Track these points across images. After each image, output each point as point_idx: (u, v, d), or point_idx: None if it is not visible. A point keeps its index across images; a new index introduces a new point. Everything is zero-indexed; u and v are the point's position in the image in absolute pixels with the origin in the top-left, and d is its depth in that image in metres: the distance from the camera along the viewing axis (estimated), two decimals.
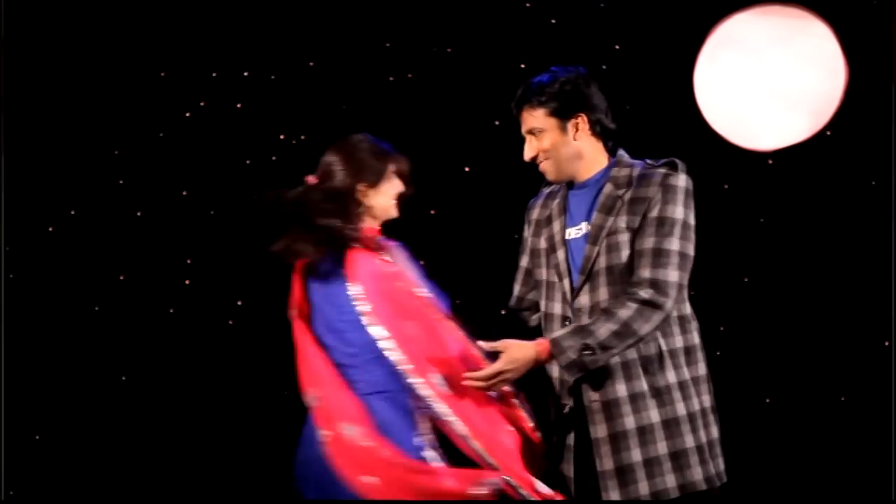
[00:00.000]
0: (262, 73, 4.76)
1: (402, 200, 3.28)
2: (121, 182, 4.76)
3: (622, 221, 3.08)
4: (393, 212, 3.24)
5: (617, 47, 4.70)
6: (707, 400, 3.08)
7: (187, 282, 4.78)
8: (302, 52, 4.76)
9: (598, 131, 3.18)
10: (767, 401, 4.72)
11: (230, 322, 4.78)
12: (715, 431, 3.08)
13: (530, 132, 3.17)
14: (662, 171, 3.11)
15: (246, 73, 4.76)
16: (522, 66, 4.71)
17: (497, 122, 4.72)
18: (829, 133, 4.33)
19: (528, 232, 3.33)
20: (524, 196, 3.49)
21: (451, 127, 4.77)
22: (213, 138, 4.75)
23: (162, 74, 4.73)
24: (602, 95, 3.21)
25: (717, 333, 4.68)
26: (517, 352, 2.99)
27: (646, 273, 3.00)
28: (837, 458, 4.65)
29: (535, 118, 3.16)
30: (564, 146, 3.15)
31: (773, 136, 3.62)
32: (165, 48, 4.73)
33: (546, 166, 3.17)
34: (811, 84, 3.53)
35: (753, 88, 3.60)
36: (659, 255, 3.02)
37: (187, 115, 4.76)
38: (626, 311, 2.97)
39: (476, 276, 4.65)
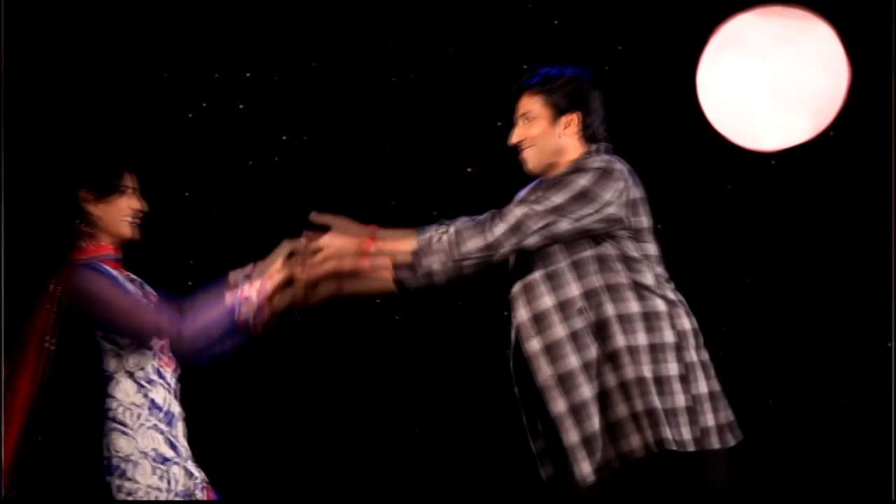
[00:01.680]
0: (265, 74, 4.75)
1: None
2: None
3: None
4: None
5: (619, 48, 4.70)
6: (667, 369, 3.00)
7: (190, 283, 4.78)
8: (304, 53, 4.76)
9: (587, 135, 3.17)
10: (770, 402, 4.72)
11: None
12: (674, 400, 2.98)
13: (524, 116, 3.18)
14: (584, 156, 3.11)
15: (248, 74, 4.76)
16: (525, 66, 4.71)
17: (499, 123, 4.72)
18: (831, 134, 4.33)
19: None
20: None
21: (453, 128, 4.77)
22: (215, 139, 4.75)
23: (164, 75, 4.73)
24: (602, 103, 3.21)
25: (719, 334, 4.68)
26: (340, 241, 3.13)
27: (556, 199, 3.01)
28: (838, 459, 4.65)
29: (532, 103, 3.17)
30: (550, 138, 3.15)
31: (776, 137, 3.62)
32: (167, 49, 4.72)
33: (528, 153, 3.16)
34: (814, 85, 3.52)
35: (756, 89, 3.60)
36: (529, 196, 3.04)
37: (189, 115, 4.76)
38: (481, 218, 3.04)
39: (478, 278, 4.64)
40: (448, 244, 3.00)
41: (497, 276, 3.40)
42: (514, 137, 3.19)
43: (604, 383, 2.98)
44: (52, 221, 3.07)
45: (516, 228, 2.98)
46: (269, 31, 4.74)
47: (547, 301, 3.04)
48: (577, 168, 3.05)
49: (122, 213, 3.20)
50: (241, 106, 4.77)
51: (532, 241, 2.99)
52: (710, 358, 3.11)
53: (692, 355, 3.06)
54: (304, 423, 4.80)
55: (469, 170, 4.79)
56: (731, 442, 3.14)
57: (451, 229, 3.02)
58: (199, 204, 4.77)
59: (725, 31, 3.63)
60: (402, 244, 3.07)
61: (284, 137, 4.78)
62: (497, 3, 4.72)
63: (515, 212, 2.99)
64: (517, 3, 4.72)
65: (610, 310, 3.00)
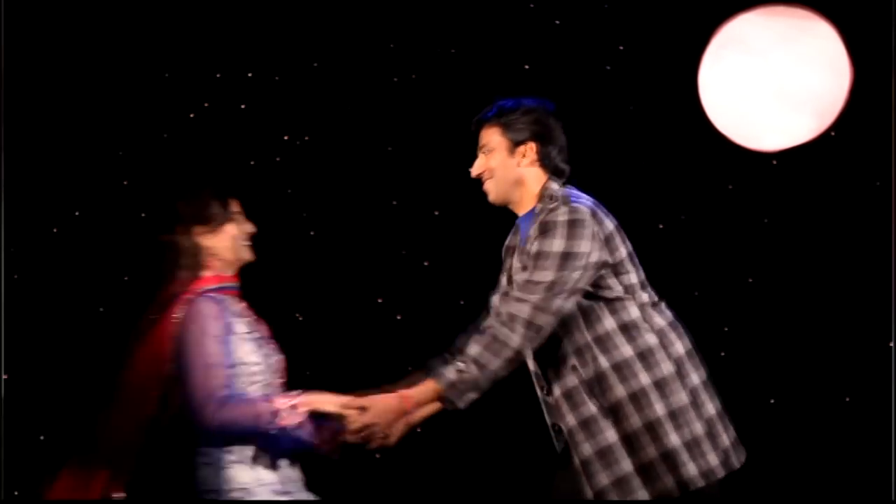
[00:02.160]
0: (266, 74, 4.76)
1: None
2: (125, 183, 4.76)
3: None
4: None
5: (621, 48, 4.70)
6: (677, 400, 3.02)
7: None
8: (305, 53, 4.76)
9: (545, 164, 3.18)
10: (772, 401, 4.72)
11: None
12: (692, 430, 3.01)
13: (482, 148, 3.23)
14: (547, 207, 3.10)
15: (250, 74, 4.76)
16: (526, 66, 4.71)
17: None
18: (833, 134, 4.33)
19: (503, 257, 3.37)
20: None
21: (455, 128, 4.76)
22: (217, 139, 4.75)
23: (166, 75, 4.73)
24: (562, 134, 3.21)
25: (721, 334, 4.68)
26: (381, 404, 3.07)
27: (515, 292, 3.03)
28: (838, 459, 4.65)
29: (489, 136, 3.22)
30: (508, 169, 3.18)
31: (778, 137, 3.61)
32: (169, 49, 4.72)
33: (488, 185, 3.22)
34: (816, 85, 3.52)
35: (758, 89, 3.60)
36: (530, 275, 3.03)
37: (191, 115, 4.76)
38: (491, 327, 3.03)
39: (480, 278, 4.65)
40: (474, 376, 3.01)
41: (496, 278, 3.41)
42: (475, 170, 3.25)
43: (607, 439, 3.00)
44: (158, 258, 3.11)
45: (530, 326, 2.98)
46: (270, 31, 4.74)
47: (540, 362, 3.09)
48: (544, 230, 3.04)
49: (237, 239, 3.25)
50: (242, 106, 4.77)
51: (549, 327, 3.00)
52: (708, 375, 3.12)
53: (694, 379, 3.07)
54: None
55: (470, 170, 4.78)
56: (743, 458, 3.18)
57: (469, 360, 3.02)
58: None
59: (727, 31, 3.62)
60: (432, 391, 3.08)
61: (286, 137, 4.78)
62: (499, 3, 4.72)
63: (521, 312, 2.99)
64: (519, 3, 4.72)
65: (604, 362, 3.02)
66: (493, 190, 3.21)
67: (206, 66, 4.75)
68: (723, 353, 4.63)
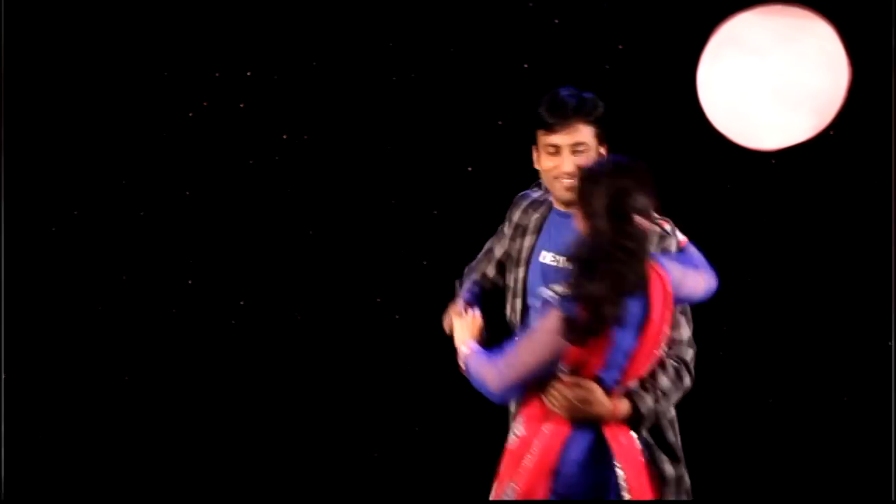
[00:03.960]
0: (265, 73, 4.76)
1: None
2: (123, 182, 4.76)
3: None
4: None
5: (620, 47, 4.70)
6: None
7: (190, 282, 4.79)
8: (305, 52, 4.76)
9: None
10: (770, 401, 4.72)
11: (232, 322, 4.78)
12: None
13: (577, 145, 3.06)
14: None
15: (249, 73, 4.76)
16: (525, 65, 4.71)
17: (500, 122, 4.72)
18: (832, 133, 4.33)
19: (507, 228, 3.27)
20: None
21: (454, 127, 4.77)
22: (215, 138, 4.76)
23: (165, 74, 4.73)
24: None
25: (719, 333, 4.67)
26: (596, 398, 2.86)
27: (685, 333, 3.03)
28: (838, 459, 4.64)
29: (586, 133, 3.07)
30: None
31: (777, 136, 3.60)
32: (168, 48, 4.72)
33: (572, 186, 3.01)
34: (814, 84, 3.51)
35: (756, 88, 3.59)
36: (682, 315, 3.04)
37: (190, 114, 4.76)
38: (675, 363, 3.00)
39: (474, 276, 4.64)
40: (662, 409, 2.99)
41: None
42: (570, 167, 3.05)
43: None
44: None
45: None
46: (269, 30, 4.74)
47: None
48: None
49: None
50: (241, 105, 4.77)
51: None
52: None
53: None
54: (304, 422, 4.80)
55: (470, 169, 4.78)
56: None
57: (661, 393, 2.97)
58: (200, 203, 4.77)
59: (725, 30, 3.61)
60: (628, 411, 2.96)
61: (285, 136, 4.78)
62: (498, 2, 4.72)
63: (688, 357, 3.03)
64: (518, 1, 4.72)
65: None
66: (575, 191, 3.00)
67: (205, 65, 4.75)
68: (721, 353, 4.63)
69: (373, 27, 4.74)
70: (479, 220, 4.72)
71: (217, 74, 4.75)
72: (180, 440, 4.77)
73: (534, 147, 3.17)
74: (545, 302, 2.89)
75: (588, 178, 2.88)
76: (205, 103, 4.76)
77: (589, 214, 2.83)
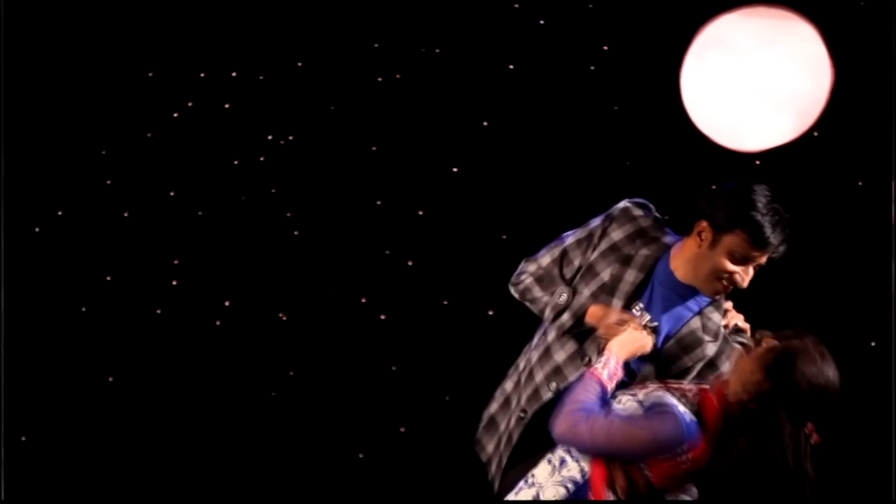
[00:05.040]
0: (251, 74, 4.75)
1: None
2: (108, 182, 4.75)
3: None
4: None
5: (605, 48, 4.71)
6: None
7: (175, 283, 4.78)
8: (290, 53, 4.75)
9: None
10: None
11: (217, 323, 4.78)
12: None
13: (757, 266, 3.09)
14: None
15: (234, 74, 4.76)
16: (511, 66, 4.72)
17: (485, 123, 4.72)
18: (816, 134, 4.34)
19: (600, 240, 3.13)
20: (511, 197, 3.48)
21: (439, 128, 4.77)
22: (200, 139, 4.75)
23: (150, 75, 4.72)
24: None
25: None
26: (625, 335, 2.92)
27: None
28: (838, 459, 4.65)
29: (764, 260, 3.09)
30: None
31: (760, 137, 3.62)
32: (153, 48, 4.72)
33: (727, 290, 3.10)
34: (797, 85, 3.53)
35: (740, 89, 3.60)
36: None
37: (175, 115, 4.75)
38: None
39: (464, 277, 4.65)
40: None
41: (485, 278, 3.41)
42: (746, 283, 3.09)
43: None
44: None
45: None
46: (255, 30, 4.74)
47: None
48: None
49: None
50: (226, 105, 4.76)
51: None
52: None
53: None
54: (290, 422, 4.80)
55: (455, 169, 4.79)
56: None
57: None
58: (185, 204, 4.76)
59: (709, 32, 3.62)
60: None
61: (270, 137, 4.78)
62: (483, 2, 4.72)
63: None
64: (503, 2, 4.72)
65: None
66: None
67: (190, 66, 4.74)
68: None
69: (358, 28, 4.74)
70: (464, 220, 4.74)
71: (202, 75, 4.75)
72: (166, 441, 4.76)
73: (711, 228, 3.08)
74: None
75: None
76: (190, 104, 4.75)
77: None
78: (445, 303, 4.73)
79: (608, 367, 2.89)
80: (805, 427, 2.84)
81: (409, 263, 4.78)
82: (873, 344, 4.61)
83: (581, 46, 4.70)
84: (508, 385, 3.18)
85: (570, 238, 3.15)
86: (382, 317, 4.79)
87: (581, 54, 4.71)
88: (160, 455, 4.76)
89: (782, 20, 3.57)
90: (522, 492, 2.90)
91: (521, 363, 3.11)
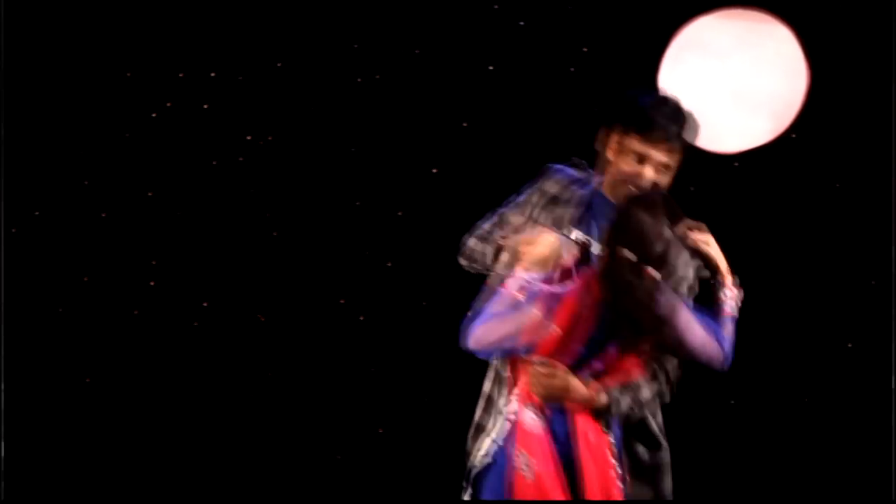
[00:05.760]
0: (229, 74, 4.74)
1: None
2: (86, 183, 4.74)
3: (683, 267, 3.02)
4: None
5: (585, 49, 4.72)
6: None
7: (152, 283, 4.77)
8: (269, 53, 4.75)
9: None
10: (732, 402, 4.74)
11: (195, 324, 4.77)
12: None
13: (662, 164, 3.05)
14: None
15: (213, 74, 4.75)
16: (490, 67, 4.72)
17: (465, 124, 4.73)
18: (793, 136, 4.36)
19: (535, 197, 3.18)
20: (492, 198, 3.48)
21: (419, 128, 4.77)
22: (179, 139, 4.74)
23: (128, 74, 4.71)
24: None
25: None
26: (573, 385, 2.88)
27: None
28: (838, 459, 4.66)
29: (676, 158, 3.07)
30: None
31: (736, 139, 3.62)
32: (131, 48, 4.71)
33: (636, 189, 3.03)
34: (774, 87, 3.54)
35: (717, 91, 3.61)
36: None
37: (153, 115, 4.74)
38: (662, 378, 2.98)
39: (443, 279, 4.65)
40: (636, 417, 2.97)
41: (465, 279, 3.40)
42: (648, 180, 3.03)
43: None
44: None
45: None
46: (233, 30, 4.73)
47: None
48: None
49: None
50: (205, 106, 4.75)
51: None
52: None
53: None
54: (268, 424, 4.79)
55: (434, 171, 4.79)
56: None
57: (639, 405, 2.95)
58: (163, 204, 4.75)
59: (686, 34, 3.63)
60: (597, 404, 2.93)
61: (249, 137, 4.77)
62: (463, 3, 4.72)
63: (673, 375, 3.03)
64: (483, 4, 4.73)
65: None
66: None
67: (169, 66, 4.73)
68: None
69: (338, 28, 4.74)
70: (443, 221, 4.74)
71: (181, 75, 4.74)
72: (147, 441, 4.75)
73: (607, 132, 3.09)
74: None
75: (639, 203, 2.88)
76: (168, 104, 4.74)
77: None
78: (424, 304, 4.73)
79: (515, 278, 2.88)
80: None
81: (389, 264, 4.78)
82: (850, 345, 4.63)
83: (561, 48, 4.71)
84: (487, 385, 3.18)
85: (509, 206, 3.20)
86: (361, 318, 4.79)
87: (561, 56, 4.72)
88: (138, 456, 4.75)
89: (759, 23, 3.58)
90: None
91: (494, 359, 3.13)
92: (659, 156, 3.03)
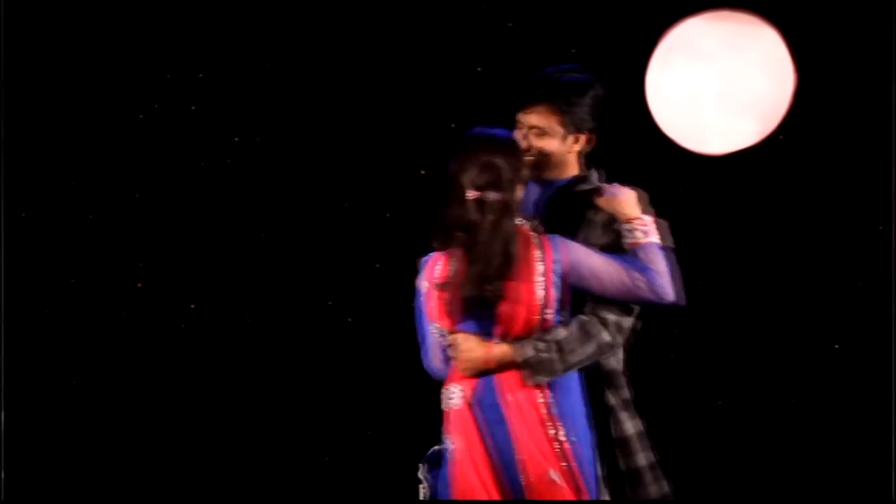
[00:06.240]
0: (217, 75, 4.74)
1: None
2: (73, 184, 4.73)
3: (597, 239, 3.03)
4: None
5: (573, 51, 4.72)
6: (639, 424, 3.08)
7: (139, 284, 4.76)
8: (257, 55, 4.74)
9: (587, 153, 3.14)
10: (719, 402, 4.75)
11: (182, 325, 4.76)
12: (652, 456, 3.07)
13: (535, 129, 3.05)
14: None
15: (200, 75, 4.74)
16: (479, 69, 4.72)
17: (453, 125, 4.72)
18: (781, 137, 4.37)
19: None
20: None
21: (407, 130, 4.77)
22: (166, 140, 4.73)
23: (115, 75, 4.71)
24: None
25: (670, 337, 4.70)
26: (471, 344, 2.93)
27: (617, 305, 3.01)
28: (838, 459, 4.67)
29: (547, 120, 3.06)
30: (558, 154, 3.07)
31: (723, 141, 3.63)
32: (119, 49, 4.70)
33: (530, 163, 3.04)
34: (760, 89, 3.55)
35: (703, 93, 3.62)
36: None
37: (141, 116, 4.73)
38: (586, 320, 2.96)
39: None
40: (551, 359, 2.93)
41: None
42: (524, 145, 3.05)
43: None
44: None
45: (621, 329, 3.01)
46: (221, 31, 4.72)
47: None
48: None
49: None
50: (193, 107, 4.75)
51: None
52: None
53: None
54: (256, 424, 4.79)
55: (423, 172, 4.79)
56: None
57: (551, 343, 2.94)
58: (150, 205, 4.74)
59: (674, 36, 3.64)
60: (509, 359, 2.96)
61: (237, 139, 4.77)
62: (451, 5, 4.72)
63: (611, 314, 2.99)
64: (471, 5, 4.73)
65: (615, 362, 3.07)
66: (535, 170, 3.05)
67: (156, 67, 4.72)
68: (672, 356, 4.66)
69: (326, 30, 4.73)
70: (432, 223, 4.74)
71: (168, 76, 4.73)
72: (134, 442, 4.74)
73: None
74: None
75: (456, 151, 2.99)
76: (156, 105, 4.74)
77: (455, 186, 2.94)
78: (413, 306, 4.72)
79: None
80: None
81: (377, 266, 4.77)
82: (836, 346, 4.64)
83: (549, 49, 4.71)
84: None
85: None
86: (349, 319, 4.79)
87: (549, 57, 4.71)
88: (125, 457, 4.74)
89: (746, 24, 3.58)
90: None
91: None
92: (529, 119, 3.06)
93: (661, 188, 4.69)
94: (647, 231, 3.04)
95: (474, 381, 2.94)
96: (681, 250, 4.73)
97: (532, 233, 2.96)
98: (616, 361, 3.06)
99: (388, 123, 4.75)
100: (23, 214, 4.71)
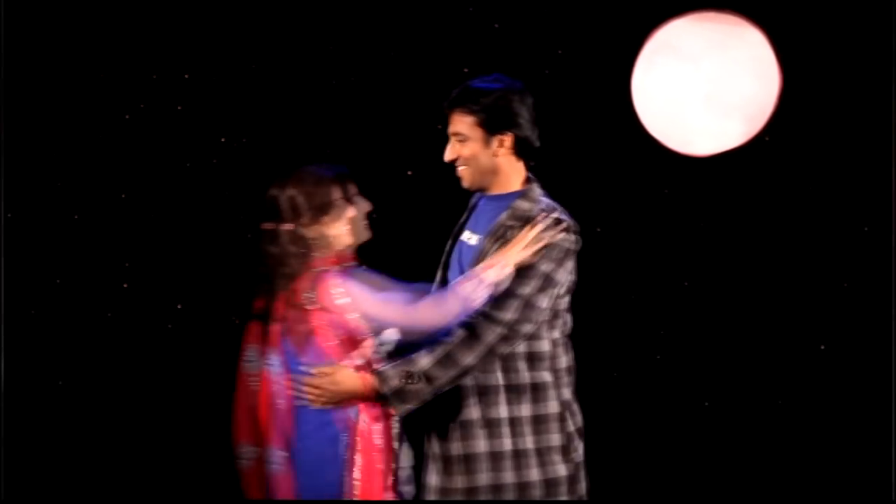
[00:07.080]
0: (203, 76, 4.74)
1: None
2: (58, 184, 4.73)
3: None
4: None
5: (560, 52, 4.73)
6: (554, 439, 3.08)
7: (125, 285, 4.76)
8: (243, 55, 4.74)
9: (521, 152, 3.16)
10: (706, 404, 4.75)
11: (169, 326, 4.76)
12: (558, 470, 3.08)
13: (455, 135, 3.17)
14: (546, 225, 3.10)
15: (186, 76, 4.74)
16: (465, 70, 4.72)
17: (440, 127, 4.72)
18: (767, 138, 4.38)
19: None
20: (466, 201, 3.50)
21: (394, 131, 4.77)
22: (152, 140, 4.73)
23: (101, 76, 4.70)
24: (533, 113, 3.17)
25: (657, 338, 4.71)
26: (343, 376, 3.00)
27: (485, 308, 3.01)
28: (838, 459, 4.68)
29: (463, 124, 3.15)
30: (484, 158, 3.14)
31: (708, 142, 3.66)
32: (105, 49, 4.69)
33: (463, 172, 3.18)
34: (746, 90, 3.57)
35: (689, 94, 3.64)
36: (505, 296, 3.02)
37: (127, 116, 4.73)
38: (450, 341, 2.99)
39: (418, 280, 4.65)
40: (419, 389, 2.97)
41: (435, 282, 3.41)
42: (449, 156, 3.18)
43: (476, 447, 3.05)
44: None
45: (492, 352, 3.00)
46: (207, 32, 4.72)
47: None
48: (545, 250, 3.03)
49: (357, 221, 3.22)
50: (179, 107, 4.74)
51: (506, 351, 3.04)
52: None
53: (572, 424, 3.12)
54: None
55: (409, 173, 4.79)
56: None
57: (418, 373, 2.98)
58: (136, 206, 4.74)
59: (659, 37, 3.66)
60: (374, 392, 3.01)
61: (223, 139, 4.77)
62: (438, 6, 4.73)
63: (487, 336, 3.00)
64: (458, 6, 4.74)
65: (501, 379, 3.05)
66: (468, 178, 3.17)
67: (142, 67, 4.72)
68: (658, 357, 4.67)
69: (312, 30, 4.74)
70: (418, 224, 4.75)
71: (154, 76, 4.73)
72: (120, 443, 4.74)
73: None
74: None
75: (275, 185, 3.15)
76: (142, 105, 4.73)
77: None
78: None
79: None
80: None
81: (363, 267, 4.77)
82: (822, 347, 4.66)
83: (535, 50, 4.72)
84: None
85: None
86: None
87: (535, 58, 4.73)
88: (108, 458, 4.74)
89: (732, 26, 3.60)
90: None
91: None
92: (449, 128, 3.20)
93: (648, 189, 4.73)
94: (492, 278, 3.05)
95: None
96: (667, 251, 4.76)
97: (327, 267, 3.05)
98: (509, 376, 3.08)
99: (374, 124, 4.76)
100: (8, 215, 4.70)
